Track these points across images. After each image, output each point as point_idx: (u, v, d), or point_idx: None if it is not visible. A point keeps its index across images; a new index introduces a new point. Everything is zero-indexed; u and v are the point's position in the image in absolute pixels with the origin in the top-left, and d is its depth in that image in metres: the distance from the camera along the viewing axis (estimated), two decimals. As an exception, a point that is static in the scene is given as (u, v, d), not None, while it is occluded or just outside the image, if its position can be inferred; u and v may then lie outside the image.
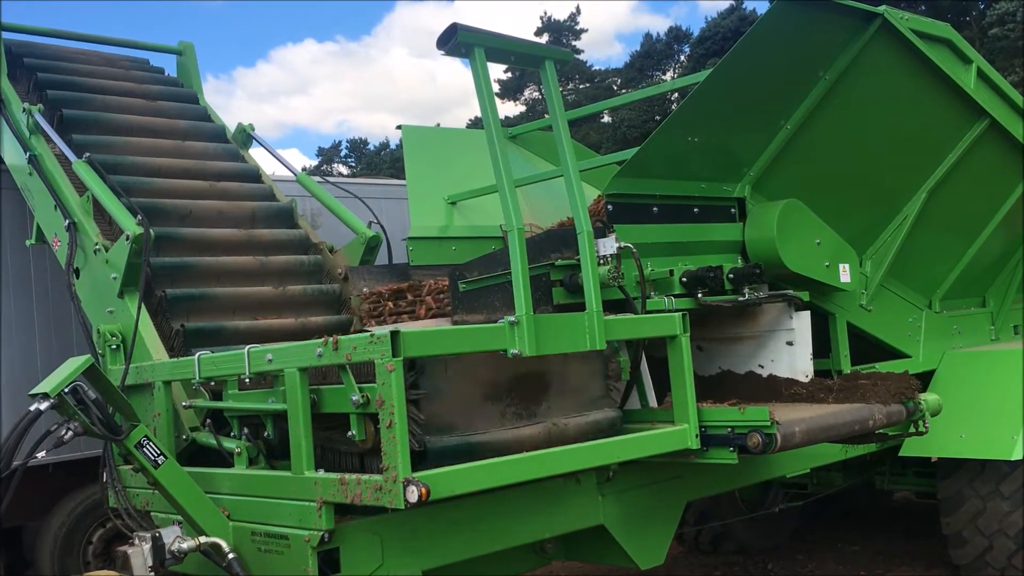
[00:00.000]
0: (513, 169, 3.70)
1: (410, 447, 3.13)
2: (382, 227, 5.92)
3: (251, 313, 5.18)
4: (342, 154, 66.80)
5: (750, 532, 7.67)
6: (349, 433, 3.37)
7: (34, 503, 6.78)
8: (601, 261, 3.97)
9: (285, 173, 6.83)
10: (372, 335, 3.15)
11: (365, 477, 3.21)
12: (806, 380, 4.81)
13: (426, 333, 3.31)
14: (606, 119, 42.57)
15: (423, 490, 3.02)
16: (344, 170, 61.04)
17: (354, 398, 3.28)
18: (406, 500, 3.02)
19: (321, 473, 3.43)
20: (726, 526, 7.45)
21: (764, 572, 7.38)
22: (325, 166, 61.56)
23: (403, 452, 3.05)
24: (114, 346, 4.67)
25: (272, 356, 3.56)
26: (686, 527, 7.19)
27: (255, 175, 6.31)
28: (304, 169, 6.94)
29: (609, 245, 4.03)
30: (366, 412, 3.30)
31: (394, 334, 3.08)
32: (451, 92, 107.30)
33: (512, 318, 3.43)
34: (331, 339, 3.29)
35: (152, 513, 4.22)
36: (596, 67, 52.00)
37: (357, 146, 67.23)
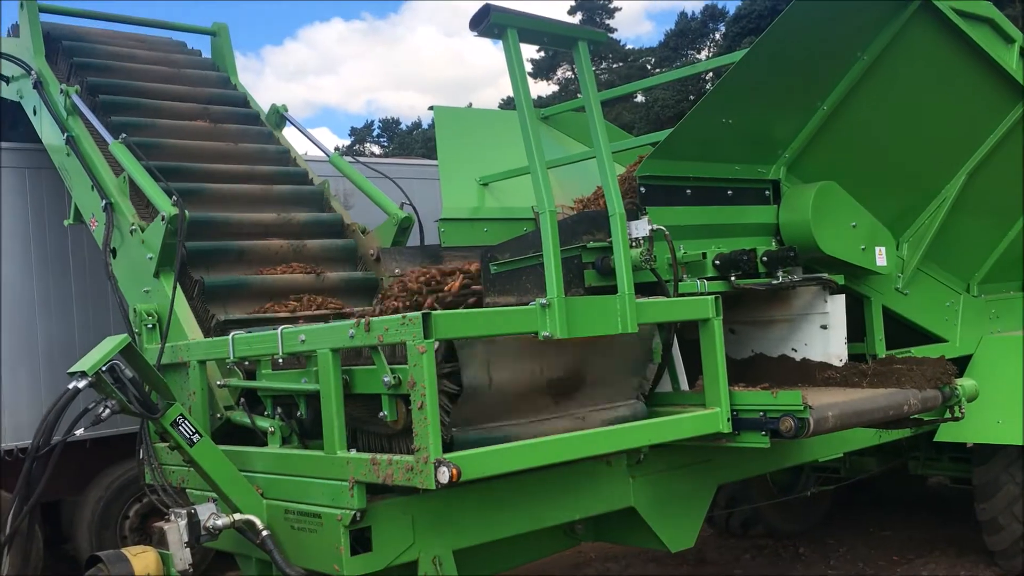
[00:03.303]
0: (545, 150, 3.69)
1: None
2: (414, 208, 5.93)
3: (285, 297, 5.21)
4: (374, 134, 66.94)
5: (781, 516, 7.63)
6: (381, 414, 3.39)
7: (72, 479, 6.91)
8: (633, 243, 3.96)
9: (317, 153, 6.86)
10: (404, 316, 3.16)
11: (396, 457, 3.24)
12: (840, 364, 4.76)
13: (457, 315, 3.32)
14: (640, 99, 42.22)
15: (454, 471, 3.03)
16: (377, 150, 61.17)
17: (386, 379, 3.30)
18: (437, 481, 3.04)
19: (353, 453, 3.46)
20: (756, 509, 7.42)
21: (795, 555, 7.35)
22: (357, 146, 61.73)
23: (434, 433, 3.07)
24: (150, 325, 4.73)
25: (305, 337, 3.59)
26: (716, 510, 7.17)
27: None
28: (336, 149, 6.94)
29: (642, 227, 4.01)
30: (398, 393, 3.32)
31: (425, 315, 3.09)
32: (479, 72, 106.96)
33: (543, 300, 3.43)
34: (363, 320, 3.31)
35: (187, 490, 4.28)
36: (628, 46, 51.53)
37: (389, 126, 67.33)
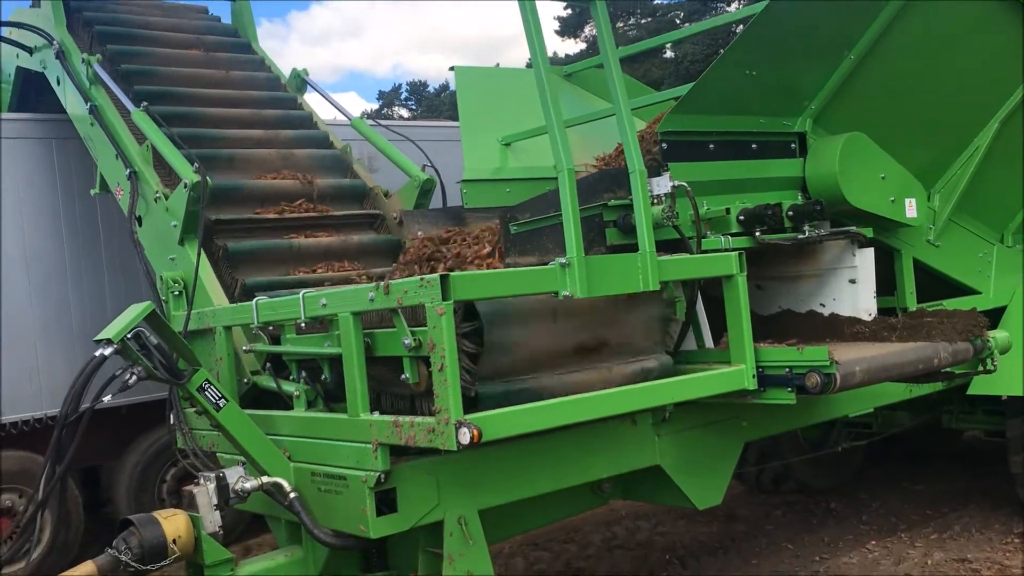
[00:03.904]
0: (568, 108, 3.65)
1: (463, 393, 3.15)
2: (436, 170, 5.91)
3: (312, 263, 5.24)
4: (402, 97, 66.64)
5: (812, 471, 7.60)
6: (403, 376, 3.40)
7: (109, 444, 7.04)
8: (655, 200, 3.91)
9: (341, 118, 6.85)
10: (422, 279, 3.15)
11: (418, 419, 3.25)
12: (869, 319, 4.70)
13: (476, 276, 3.31)
14: (669, 54, 41.61)
15: (475, 432, 3.04)
16: (405, 113, 60.90)
17: (406, 342, 3.30)
18: (458, 442, 3.05)
19: (376, 415, 3.47)
20: (787, 465, 7.39)
21: (826, 511, 7.33)
22: (386, 110, 61.51)
23: (454, 394, 3.08)
24: (176, 292, 4.77)
25: (326, 301, 3.60)
26: (747, 466, 7.15)
27: (311, 124, 6.34)
28: (364, 113, 6.96)
29: (663, 184, 3.96)
30: (419, 355, 3.32)
31: (443, 277, 3.09)
32: (506, 32, 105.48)
33: (563, 260, 3.41)
34: (382, 283, 3.31)
35: (218, 454, 4.34)
36: (656, 0, 50.61)
37: (417, 88, 66.95)
